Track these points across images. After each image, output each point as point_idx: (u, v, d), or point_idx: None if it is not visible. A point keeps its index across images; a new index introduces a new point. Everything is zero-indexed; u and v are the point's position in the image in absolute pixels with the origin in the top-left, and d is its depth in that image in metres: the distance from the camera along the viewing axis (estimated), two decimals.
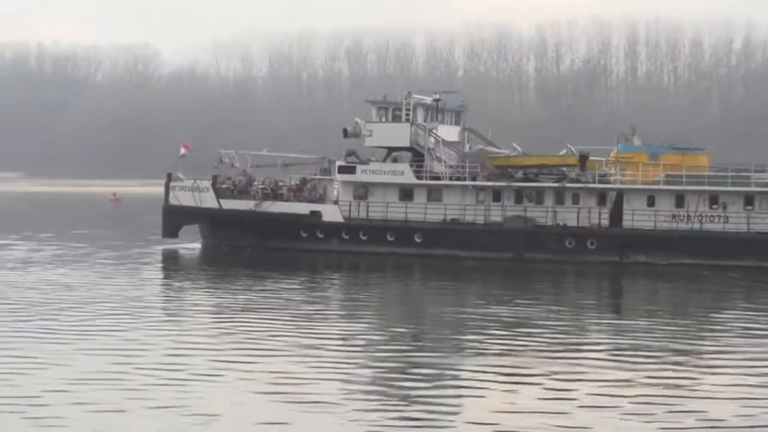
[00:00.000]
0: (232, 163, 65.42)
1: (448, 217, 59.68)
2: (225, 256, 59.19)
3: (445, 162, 60.74)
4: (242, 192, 63.69)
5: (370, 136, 62.26)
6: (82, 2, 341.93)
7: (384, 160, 63.12)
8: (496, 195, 59.56)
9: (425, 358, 27.86)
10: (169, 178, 64.80)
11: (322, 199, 62.71)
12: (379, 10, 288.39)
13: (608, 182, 58.65)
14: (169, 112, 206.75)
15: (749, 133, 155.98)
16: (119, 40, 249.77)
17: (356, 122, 63.51)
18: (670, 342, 31.07)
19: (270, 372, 25.69)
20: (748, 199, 56.56)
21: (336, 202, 61.80)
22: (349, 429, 20.98)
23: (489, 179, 59.85)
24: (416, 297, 45.63)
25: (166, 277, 50.22)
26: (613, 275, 53.62)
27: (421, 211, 59.84)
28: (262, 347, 29.10)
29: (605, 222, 57.84)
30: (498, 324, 34.27)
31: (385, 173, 61.00)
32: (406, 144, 61.63)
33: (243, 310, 36.70)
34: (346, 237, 60.51)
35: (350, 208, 60.91)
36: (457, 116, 64.65)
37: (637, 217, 57.17)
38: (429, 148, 61.14)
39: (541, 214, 58.52)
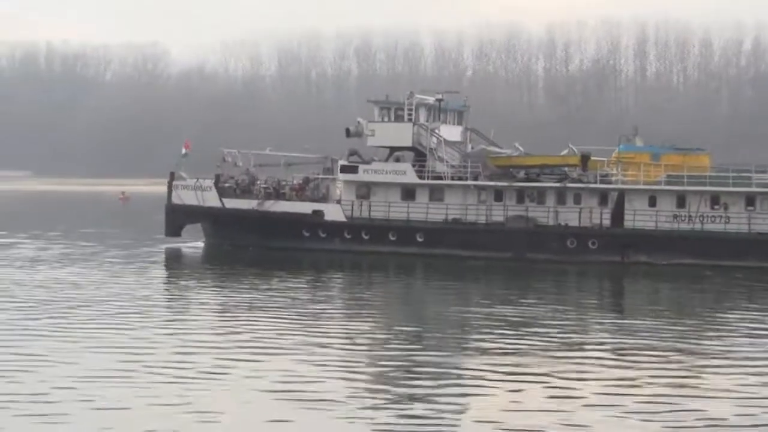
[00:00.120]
0: (235, 162, 65.41)
1: (450, 217, 59.80)
2: (228, 255, 59.27)
3: (447, 162, 60.86)
4: (245, 191, 63.75)
5: (373, 135, 62.37)
6: (93, 2, 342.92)
7: (386, 160, 63.22)
8: (498, 195, 59.69)
9: (430, 357, 27.99)
10: (172, 177, 64.82)
11: (324, 199, 62.78)
12: (387, 10, 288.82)
13: (610, 182, 58.76)
14: (177, 111, 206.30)
15: (750, 134, 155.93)
16: (128, 40, 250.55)
17: (359, 122, 63.58)
18: (673, 342, 31.20)
19: (276, 370, 25.85)
20: (750, 200, 56.67)
21: (338, 202, 61.91)
22: (354, 427, 21.10)
23: (491, 179, 59.97)
24: (419, 296, 45.80)
25: (172, 276, 50.40)
26: (615, 275, 53.73)
27: (423, 210, 59.96)
28: (268, 346, 29.27)
29: (607, 222, 57.97)
30: (501, 323, 34.41)
31: (387, 173, 61.12)
32: (409, 144, 61.76)
33: (249, 309, 36.89)
34: (349, 236, 60.62)
35: (352, 207, 61.02)
36: (460, 116, 64.75)
37: (638, 217, 57.29)
38: (431, 148, 61.26)
39: (543, 214, 58.65)
